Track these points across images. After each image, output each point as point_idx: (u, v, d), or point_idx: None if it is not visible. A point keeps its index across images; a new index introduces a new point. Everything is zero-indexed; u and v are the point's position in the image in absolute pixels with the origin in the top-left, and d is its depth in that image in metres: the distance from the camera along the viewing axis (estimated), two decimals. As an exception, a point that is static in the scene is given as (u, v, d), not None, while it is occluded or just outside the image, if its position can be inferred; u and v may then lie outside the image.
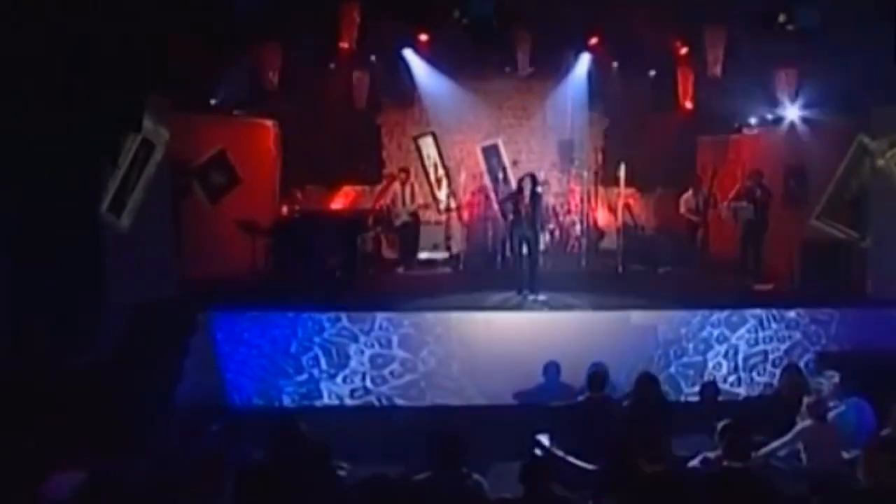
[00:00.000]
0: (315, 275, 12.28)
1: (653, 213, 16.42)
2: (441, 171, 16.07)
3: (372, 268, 13.67)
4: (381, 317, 10.20)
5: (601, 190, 15.84)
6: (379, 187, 15.51)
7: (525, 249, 11.49)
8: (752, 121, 14.73)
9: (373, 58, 14.82)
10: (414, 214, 14.23)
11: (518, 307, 10.83)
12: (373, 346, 10.18)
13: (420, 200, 14.34)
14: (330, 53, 13.46)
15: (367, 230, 13.43)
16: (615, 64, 15.34)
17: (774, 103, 13.41)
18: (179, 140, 12.06)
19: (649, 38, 13.73)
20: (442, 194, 15.97)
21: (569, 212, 15.20)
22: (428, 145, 16.20)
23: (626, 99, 15.64)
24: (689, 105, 15.11)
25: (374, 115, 15.85)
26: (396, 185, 14.32)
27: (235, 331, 10.08)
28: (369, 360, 10.17)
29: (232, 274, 12.28)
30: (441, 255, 14.96)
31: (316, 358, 10.14)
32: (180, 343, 9.47)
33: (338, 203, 15.89)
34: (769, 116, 14.01)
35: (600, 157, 16.21)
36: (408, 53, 15.10)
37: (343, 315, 10.17)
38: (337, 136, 15.17)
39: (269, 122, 14.20)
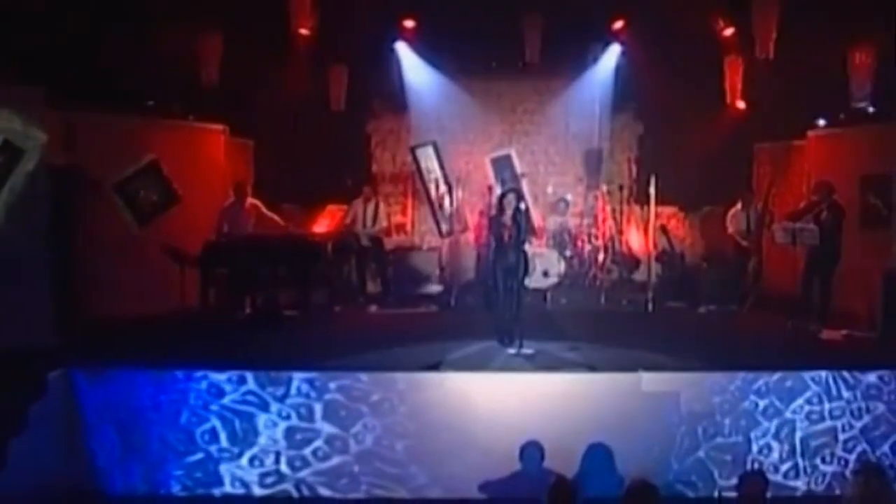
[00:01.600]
0: (259, 316, 9.74)
1: (699, 237, 13.32)
2: (443, 188, 13.33)
3: (339, 305, 10.99)
4: (299, 378, 7.47)
5: (636, 210, 12.89)
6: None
7: (510, 285, 8.69)
8: (821, 121, 11.60)
9: (354, 51, 12.30)
10: (376, 239, 11.56)
11: (490, 365, 7.96)
12: (289, 416, 7.47)
13: (384, 223, 11.71)
14: (288, 43, 10.96)
15: (327, 259, 10.73)
16: (647, 55, 12.45)
17: (847, 96, 10.34)
18: (94, 147, 9.77)
19: (686, 17, 10.86)
20: (444, 215, 13.25)
21: (593, 236, 12.33)
22: (428, 157, 13.46)
23: (663, 99, 12.67)
24: (740, 104, 12.12)
25: (361, 120, 13.19)
26: (357, 204, 11.69)
27: (107, 395, 7.48)
28: (284, 436, 7.46)
29: (154, 315, 9.72)
30: (434, 288, 12.22)
31: (214, 432, 7.47)
32: (19, 410, 6.89)
33: (321, 226, 13.28)
34: (840, 114, 10.92)
35: (634, 169, 13.24)
36: (400, 48, 12.57)
37: (249, 375, 7.47)
38: (315, 145, 12.62)
39: (217, 128, 11.64)
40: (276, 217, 10.93)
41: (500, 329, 8.72)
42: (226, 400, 7.47)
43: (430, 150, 13.43)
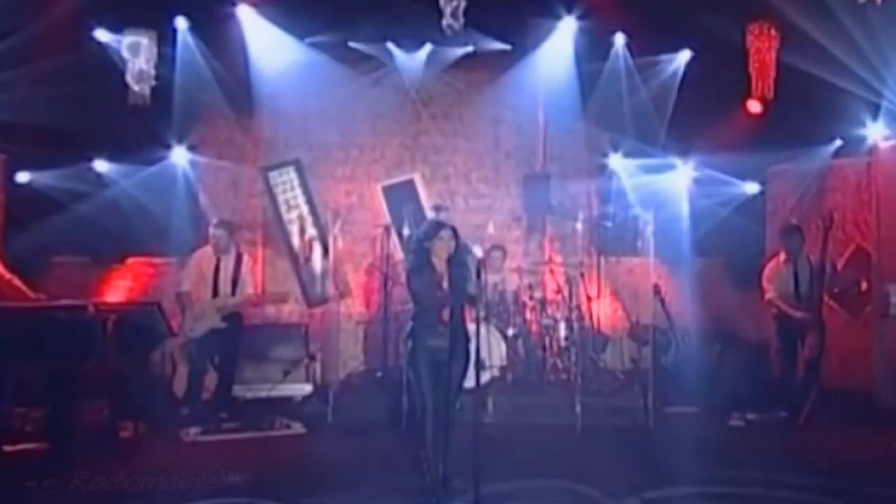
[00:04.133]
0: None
1: (692, 302, 9.98)
2: (312, 231, 9.77)
3: (130, 429, 6.98)
4: None
5: (601, 262, 9.48)
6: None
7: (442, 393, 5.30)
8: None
9: (165, 12, 8.58)
10: (234, 317, 7.81)
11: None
12: None
13: (248, 289, 8.05)
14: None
15: (115, 348, 6.72)
16: (619, 34, 9.33)
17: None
18: None
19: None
20: (313, 273, 9.71)
21: (549, 303, 8.84)
22: (288, 184, 9.89)
23: (641, 99, 9.48)
24: (754, 106, 8.97)
25: (180, 125, 9.30)
26: (201, 257, 7.99)
27: None
28: None
29: None
30: (298, 389, 8.43)
31: None
32: None
33: (117, 290, 9.35)
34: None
35: (596, 202, 9.88)
36: (242, 12, 8.97)
37: None
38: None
39: None
40: (16, 280, 6.97)
41: (428, 487, 5.07)
42: None
43: (290, 174, 9.94)
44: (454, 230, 5.36)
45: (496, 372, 8.00)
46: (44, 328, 6.33)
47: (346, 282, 9.61)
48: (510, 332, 8.35)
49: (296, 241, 9.79)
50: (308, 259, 9.76)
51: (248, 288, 8.00)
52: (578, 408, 7.44)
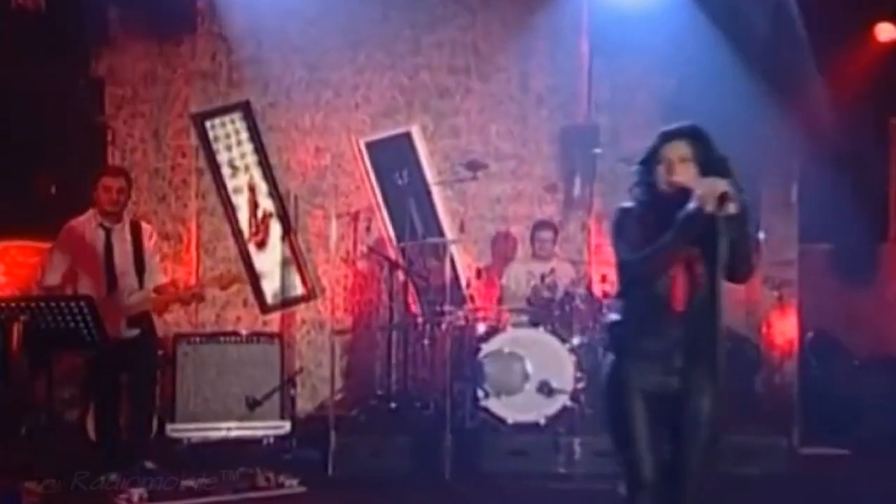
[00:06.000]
0: None
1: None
2: (267, 205, 8.05)
3: (34, 491, 5.07)
4: None
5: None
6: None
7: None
8: None
9: None
10: (146, 320, 5.99)
11: None
12: None
13: (158, 275, 6.24)
14: None
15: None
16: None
17: None
18: None
19: None
20: (271, 261, 8.02)
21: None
22: (233, 137, 8.08)
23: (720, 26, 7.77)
24: (887, 31, 7.77)
25: (82, 50, 7.54)
26: (75, 230, 6.10)
27: None
28: None
29: None
30: (269, 427, 6.63)
31: None
32: None
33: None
34: None
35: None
36: None
37: None
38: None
39: None
40: None
41: None
42: None
43: (236, 124, 8.10)
44: (696, 140, 3.40)
45: (566, 398, 6.27)
46: None
47: (316, 276, 7.95)
48: (575, 341, 6.65)
49: (244, 217, 7.99)
50: (262, 243, 8.00)
51: (158, 275, 6.05)
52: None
